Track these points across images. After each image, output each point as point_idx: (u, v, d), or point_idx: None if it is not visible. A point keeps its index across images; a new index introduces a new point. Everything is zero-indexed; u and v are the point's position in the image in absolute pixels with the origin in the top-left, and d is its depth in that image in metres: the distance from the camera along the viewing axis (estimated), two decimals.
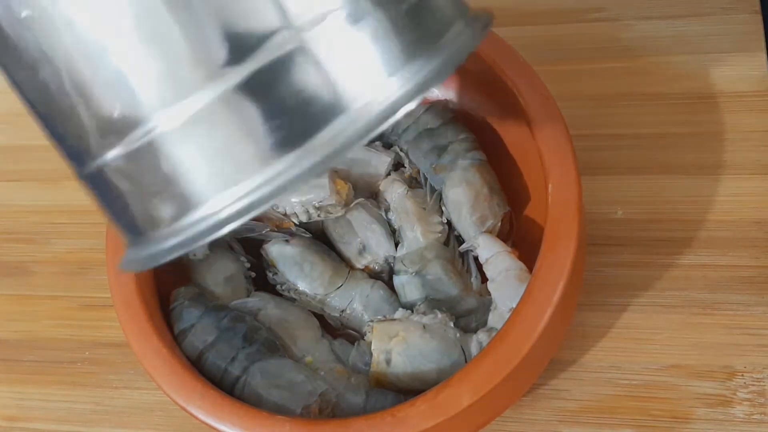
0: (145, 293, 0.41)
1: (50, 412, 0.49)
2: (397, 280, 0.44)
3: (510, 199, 0.46)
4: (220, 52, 0.23)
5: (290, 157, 0.24)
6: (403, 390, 0.40)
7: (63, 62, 0.24)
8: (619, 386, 0.43)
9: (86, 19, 0.24)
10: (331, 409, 0.40)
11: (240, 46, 0.23)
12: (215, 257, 0.45)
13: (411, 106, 0.24)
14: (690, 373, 0.43)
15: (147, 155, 0.25)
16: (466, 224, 0.44)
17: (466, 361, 0.40)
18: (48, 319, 0.52)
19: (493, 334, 0.39)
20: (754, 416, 0.41)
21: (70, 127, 0.26)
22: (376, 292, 0.44)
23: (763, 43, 0.50)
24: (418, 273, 0.44)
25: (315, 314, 0.45)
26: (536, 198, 0.46)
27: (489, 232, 0.44)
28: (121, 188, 0.26)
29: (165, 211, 0.26)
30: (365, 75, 0.24)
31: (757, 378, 0.42)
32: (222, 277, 0.45)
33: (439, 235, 0.44)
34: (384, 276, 0.45)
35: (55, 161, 0.57)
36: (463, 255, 0.45)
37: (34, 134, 0.59)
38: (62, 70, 0.24)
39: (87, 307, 0.52)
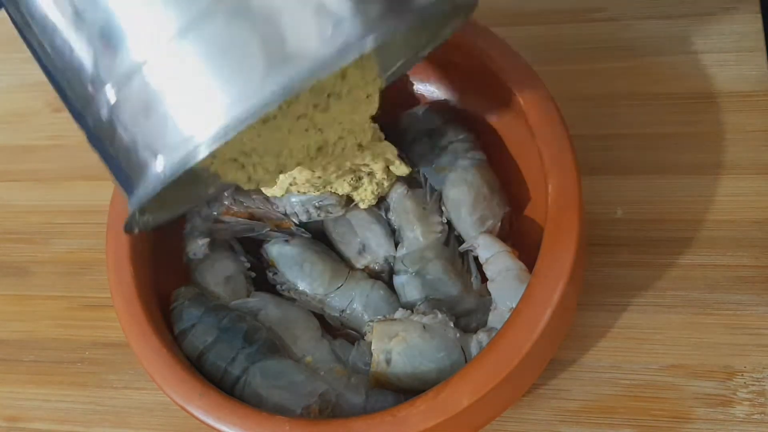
0: (145, 293, 0.41)
1: (50, 412, 0.49)
2: (397, 280, 0.44)
3: (510, 199, 0.46)
4: None
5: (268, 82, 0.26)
6: (403, 390, 0.40)
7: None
8: (619, 386, 0.43)
9: None
10: (331, 409, 0.40)
11: None
12: (215, 257, 0.45)
13: (370, 46, 0.26)
14: (690, 373, 0.43)
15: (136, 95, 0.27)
16: (466, 224, 0.44)
17: (466, 361, 0.40)
18: (48, 319, 0.52)
19: (493, 334, 0.39)
20: (755, 416, 0.41)
21: (70, 88, 0.29)
22: (376, 292, 0.44)
23: (763, 43, 0.50)
24: (418, 273, 0.44)
25: (315, 314, 0.45)
26: (536, 198, 0.46)
27: (489, 232, 0.44)
28: (110, 140, 0.29)
29: (148, 151, 0.28)
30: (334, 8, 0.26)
31: (757, 378, 0.42)
32: (222, 277, 0.45)
33: (439, 235, 0.44)
34: (384, 276, 0.45)
35: (55, 161, 0.58)
36: (463, 255, 0.45)
37: (34, 134, 0.60)
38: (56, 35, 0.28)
39: (87, 307, 0.52)
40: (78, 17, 0.28)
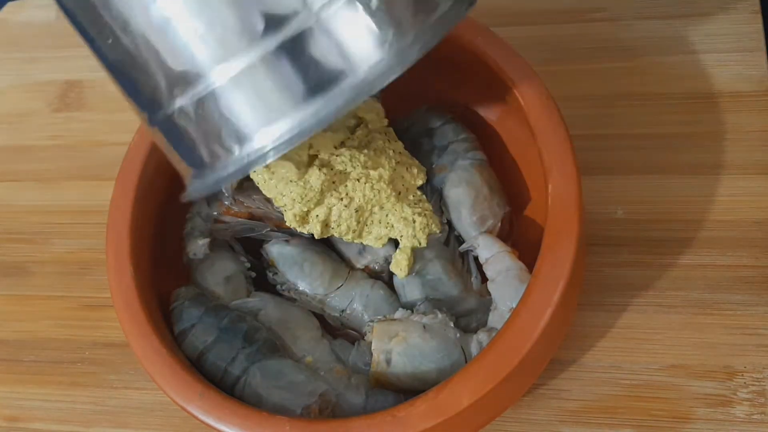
0: (145, 294, 0.41)
1: (50, 412, 0.49)
2: (397, 280, 0.44)
3: (510, 199, 0.46)
4: (258, 26, 0.30)
5: (315, 104, 0.30)
6: (403, 390, 0.40)
7: (139, 32, 0.31)
8: (619, 386, 0.43)
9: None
10: (331, 409, 0.40)
11: (271, 22, 0.30)
12: (215, 257, 0.45)
13: (402, 70, 0.31)
14: (690, 373, 0.43)
15: (207, 103, 0.31)
16: (466, 224, 0.44)
17: (466, 361, 0.40)
18: (47, 319, 0.52)
19: (493, 334, 0.40)
20: (755, 416, 0.41)
21: (145, 83, 0.32)
22: (376, 292, 0.44)
23: (763, 43, 0.50)
24: (418, 273, 0.44)
25: (315, 314, 0.45)
26: (536, 198, 0.46)
27: (489, 232, 0.44)
28: (188, 129, 0.33)
29: (223, 146, 0.32)
30: (367, 43, 0.30)
31: (757, 378, 0.42)
32: (222, 277, 0.45)
33: (440, 235, 0.44)
34: (384, 276, 0.45)
35: (55, 161, 0.58)
36: (463, 255, 0.45)
37: (34, 134, 0.60)
38: (139, 38, 0.31)
39: (87, 307, 0.52)
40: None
